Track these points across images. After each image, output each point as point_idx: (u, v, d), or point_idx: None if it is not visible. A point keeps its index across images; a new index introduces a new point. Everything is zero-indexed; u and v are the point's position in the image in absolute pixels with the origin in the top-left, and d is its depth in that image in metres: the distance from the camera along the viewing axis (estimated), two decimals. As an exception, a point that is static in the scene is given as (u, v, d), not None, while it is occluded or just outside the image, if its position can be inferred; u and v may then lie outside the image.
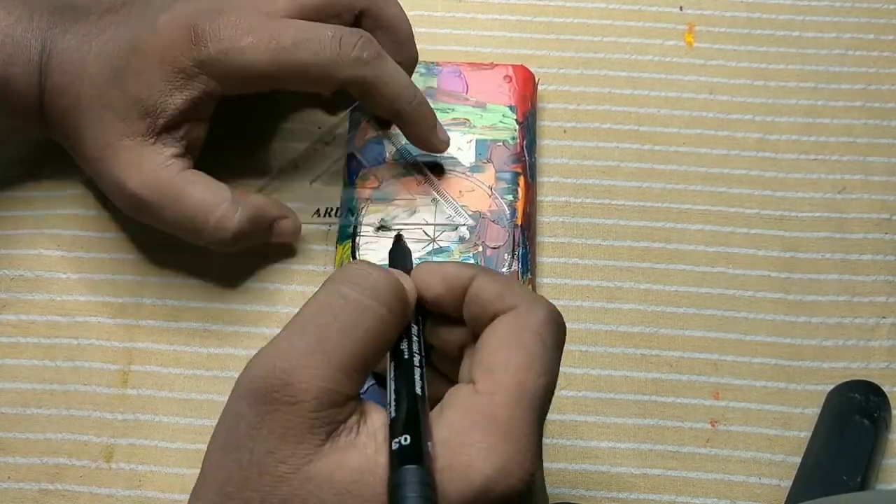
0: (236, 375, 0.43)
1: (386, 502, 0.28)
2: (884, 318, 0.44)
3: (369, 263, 0.32)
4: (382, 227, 0.44)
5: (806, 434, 0.42)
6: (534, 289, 0.44)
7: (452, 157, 0.46)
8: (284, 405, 0.29)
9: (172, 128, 0.41)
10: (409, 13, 0.52)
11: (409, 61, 0.44)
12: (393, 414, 0.29)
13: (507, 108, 0.47)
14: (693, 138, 0.49)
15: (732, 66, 0.50)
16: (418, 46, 0.51)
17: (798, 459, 0.42)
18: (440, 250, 0.43)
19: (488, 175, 0.45)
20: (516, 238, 0.44)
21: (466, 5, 0.52)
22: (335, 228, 0.46)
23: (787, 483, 0.41)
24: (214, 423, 0.42)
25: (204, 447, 0.42)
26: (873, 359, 0.44)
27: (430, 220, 0.44)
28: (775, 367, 0.44)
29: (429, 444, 0.28)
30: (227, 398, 0.43)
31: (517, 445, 0.29)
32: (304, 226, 0.46)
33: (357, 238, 0.44)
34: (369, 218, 0.44)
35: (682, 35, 0.51)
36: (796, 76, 0.50)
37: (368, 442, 0.29)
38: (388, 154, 0.46)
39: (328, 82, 0.41)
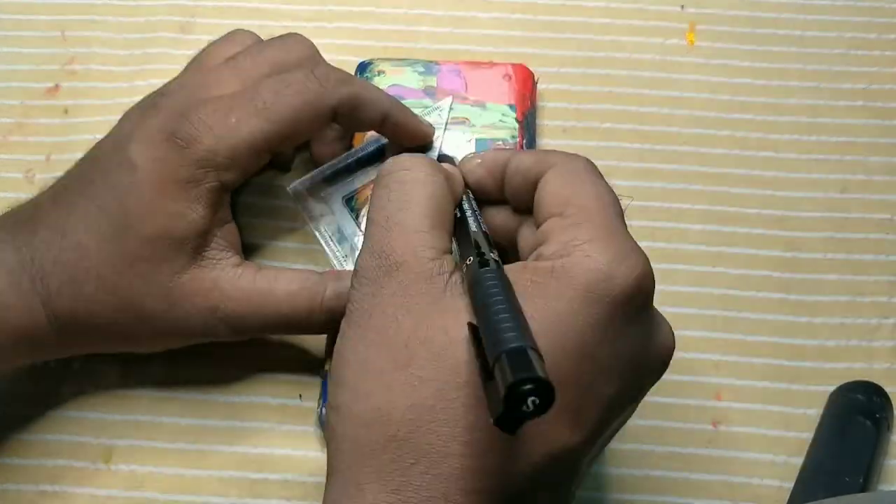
0: (238, 375, 0.43)
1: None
2: (886, 318, 0.44)
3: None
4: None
5: (808, 435, 0.42)
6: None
7: (452, 156, 0.45)
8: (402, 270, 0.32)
9: (211, 238, 0.39)
10: (409, 12, 0.52)
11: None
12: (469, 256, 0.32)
13: (507, 107, 0.47)
14: (694, 138, 0.48)
15: (734, 66, 0.50)
16: (418, 45, 0.51)
17: (800, 460, 0.41)
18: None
19: (489, 175, 0.45)
20: (517, 238, 0.43)
21: (466, 4, 0.52)
22: (335, 228, 0.46)
23: (789, 484, 0.41)
24: (215, 423, 0.42)
25: (205, 447, 0.42)
26: (876, 359, 0.44)
27: None
28: (777, 367, 0.43)
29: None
30: (228, 399, 0.43)
31: (622, 244, 0.31)
32: (304, 226, 0.46)
33: (357, 238, 0.44)
34: (369, 218, 0.44)
35: (684, 34, 0.51)
36: (798, 75, 0.50)
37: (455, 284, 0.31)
38: (387, 154, 0.45)
39: (322, 115, 0.40)
